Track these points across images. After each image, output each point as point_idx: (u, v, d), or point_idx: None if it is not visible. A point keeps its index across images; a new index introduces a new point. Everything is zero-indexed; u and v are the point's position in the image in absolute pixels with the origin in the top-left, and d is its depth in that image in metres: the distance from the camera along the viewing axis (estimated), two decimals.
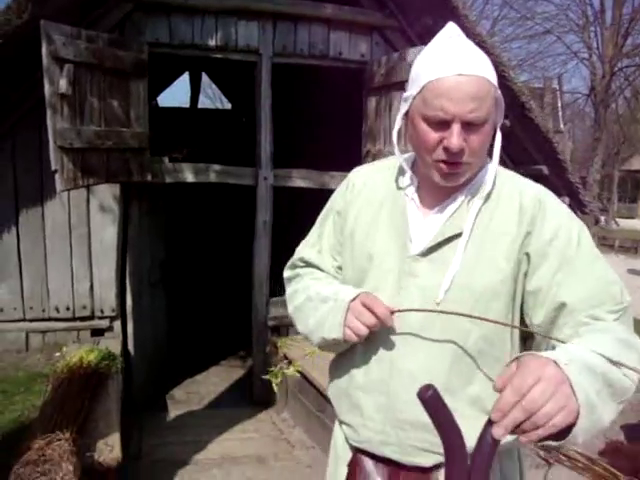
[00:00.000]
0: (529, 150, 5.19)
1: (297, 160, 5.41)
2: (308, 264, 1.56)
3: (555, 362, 0.98)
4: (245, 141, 8.44)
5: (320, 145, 6.82)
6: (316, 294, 1.43)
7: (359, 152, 5.01)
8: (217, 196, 7.30)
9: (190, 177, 4.67)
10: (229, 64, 5.49)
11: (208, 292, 7.95)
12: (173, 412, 4.89)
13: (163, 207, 5.22)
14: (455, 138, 1.20)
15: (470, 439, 0.98)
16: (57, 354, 4.14)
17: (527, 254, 1.27)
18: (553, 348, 1.17)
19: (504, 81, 4.71)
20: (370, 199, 1.45)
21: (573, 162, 27.15)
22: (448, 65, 1.20)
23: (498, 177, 1.33)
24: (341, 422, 1.50)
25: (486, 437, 0.92)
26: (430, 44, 1.28)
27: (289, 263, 1.63)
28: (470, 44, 1.26)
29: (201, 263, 8.54)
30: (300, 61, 4.86)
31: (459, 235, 1.29)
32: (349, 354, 1.43)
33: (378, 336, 1.33)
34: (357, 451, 1.44)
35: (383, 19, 4.85)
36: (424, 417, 1.00)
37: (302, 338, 4.42)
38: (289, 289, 1.59)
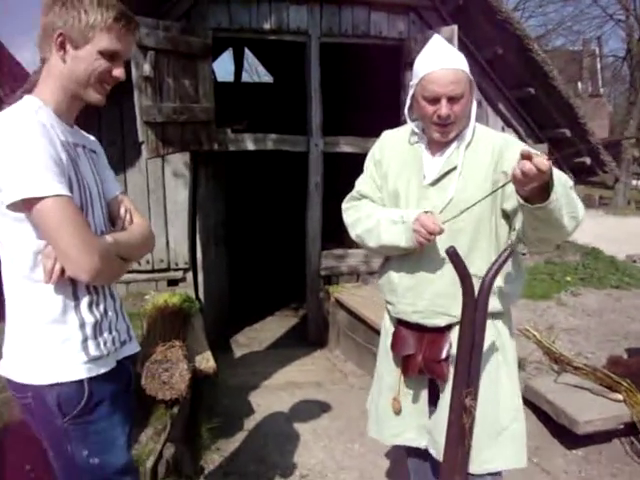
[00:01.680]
0: (552, 115, 5.71)
1: (343, 129, 6.00)
2: (363, 196, 2.28)
3: None
4: (288, 112, 9.09)
5: (363, 115, 7.41)
6: (384, 219, 2.11)
7: (397, 120, 5.59)
8: (270, 162, 7.92)
9: (250, 145, 5.33)
10: (272, 41, 6.07)
11: (264, 248, 8.69)
12: (238, 352, 5.63)
13: (224, 173, 5.90)
14: (443, 109, 1.95)
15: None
16: (147, 297, 4.87)
17: (504, 172, 1.91)
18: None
19: (528, 53, 5.25)
20: (396, 151, 2.20)
21: (612, 125, 26.92)
22: (435, 63, 1.96)
23: (477, 130, 2.09)
24: (386, 302, 2.25)
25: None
26: (423, 51, 2.04)
27: (348, 197, 2.36)
28: (448, 47, 2.02)
29: (258, 223, 9.25)
30: (344, 40, 5.45)
31: (454, 169, 2.03)
32: (392, 258, 2.17)
33: (412, 265, 2.08)
34: (398, 322, 2.16)
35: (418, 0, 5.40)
36: (439, 290, 1.76)
37: (351, 285, 5.18)
38: (351, 216, 2.31)
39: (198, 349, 3.69)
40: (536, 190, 1.62)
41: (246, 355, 5.51)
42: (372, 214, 2.19)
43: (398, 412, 2.18)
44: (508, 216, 2.01)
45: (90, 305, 1.61)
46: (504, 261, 1.65)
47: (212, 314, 5.59)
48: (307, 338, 5.76)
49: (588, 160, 6.00)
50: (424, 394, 2.17)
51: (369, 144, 5.44)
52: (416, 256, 2.06)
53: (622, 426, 3.16)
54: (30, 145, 1.42)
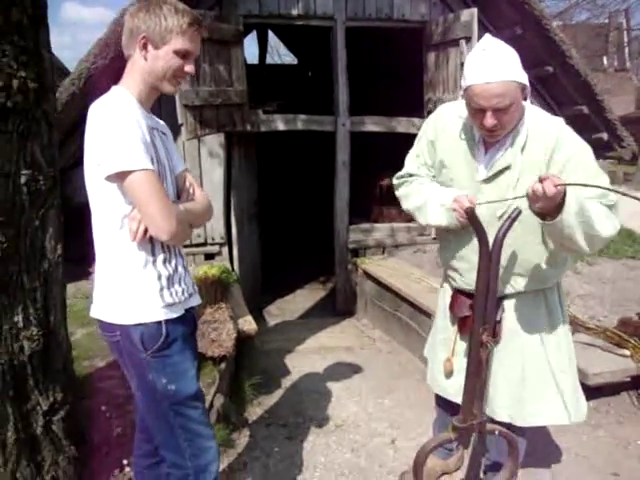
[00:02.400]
0: (570, 93, 5.91)
1: (369, 109, 6.27)
2: (411, 175, 2.48)
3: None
4: (314, 93, 9.35)
5: (387, 95, 7.66)
6: (431, 199, 2.31)
7: (421, 100, 5.85)
8: (299, 142, 8.19)
9: (281, 126, 5.64)
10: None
11: (294, 225, 9.03)
12: (271, 322, 5.98)
13: (255, 153, 6.21)
14: (488, 120, 2.01)
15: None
16: None
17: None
18: None
19: (546, 33, 5.45)
20: (453, 138, 2.29)
21: (638, 100, 26.54)
22: (479, 75, 1.98)
23: (531, 128, 2.14)
24: (447, 276, 2.49)
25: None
26: (471, 53, 2.09)
27: (398, 174, 2.54)
28: (498, 53, 1.99)
29: (288, 200, 9.58)
30: (369, 24, 5.70)
31: (508, 167, 2.15)
32: (450, 239, 2.38)
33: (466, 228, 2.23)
34: (456, 291, 2.43)
35: None
36: None
37: (377, 257, 5.57)
38: (401, 190, 2.51)
39: (239, 313, 4.04)
40: (550, 209, 1.85)
41: (279, 324, 5.86)
42: (421, 191, 2.38)
43: (450, 373, 2.45)
44: None
45: (164, 261, 1.94)
46: (513, 221, 1.94)
47: (246, 286, 5.91)
48: (335, 308, 6.10)
49: (605, 136, 6.20)
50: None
51: (394, 123, 5.79)
52: (471, 245, 2.24)
53: (629, 379, 3.45)
54: (123, 128, 1.75)
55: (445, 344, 2.51)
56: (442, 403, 2.67)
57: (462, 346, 2.42)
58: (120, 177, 1.76)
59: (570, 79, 5.81)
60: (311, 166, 9.24)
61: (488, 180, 2.20)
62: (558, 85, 5.89)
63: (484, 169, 2.21)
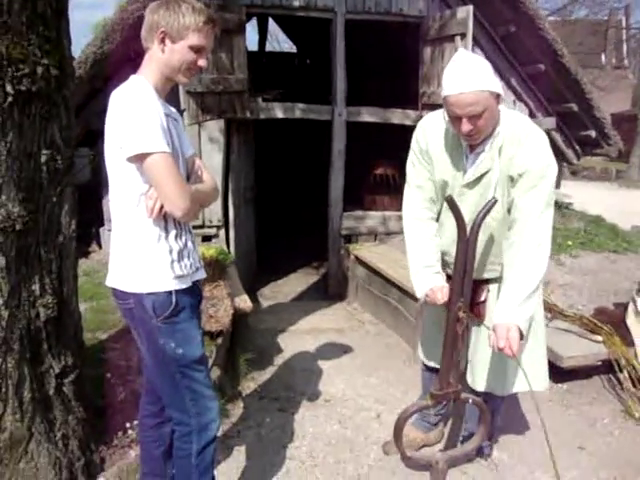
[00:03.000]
0: (561, 90, 6.11)
1: (365, 99, 6.44)
2: (417, 187, 2.64)
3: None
4: (312, 81, 9.51)
5: (383, 87, 7.84)
6: (414, 262, 2.61)
7: (416, 92, 6.03)
8: (296, 130, 8.36)
9: (279, 114, 5.80)
10: None
11: (288, 211, 9.22)
12: (265, 303, 6.18)
13: (253, 139, 6.38)
14: (464, 127, 2.25)
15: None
16: None
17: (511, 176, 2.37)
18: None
19: (539, 31, 5.64)
20: (442, 146, 2.52)
21: (635, 97, 26.72)
22: (454, 86, 2.21)
23: (505, 131, 2.37)
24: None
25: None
26: (448, 67, 2.28)
27: (405, 188, 2.73)
28: (470, 66, 2.21)
29: (283, 186, 9.75)
30: (368, 17, 5.85)
31: (488, 170, 2.40)
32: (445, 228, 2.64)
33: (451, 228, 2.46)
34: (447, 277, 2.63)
35: None
36: (479, 262, 2.35)
37: (369, 244, 5.79)
38: (404, 228, 2.74)
39: (235, 292, 4.23)
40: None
41: (272, 305, 6.05)
42: (410, 241, 2.67)
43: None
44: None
45: (176, 237, 2.14)
46: (489, 209, 2.15)
47: (241, 268, 6.10)
48: (327, 292, 6.30)
49: (593, 133, 6.41)
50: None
51: (388, 114, 5.97)
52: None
53: (600, 363, 3.68)
54: (144, 113, 1.93)
55: (435, 324, 2.77)
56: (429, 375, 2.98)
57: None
58: (140, 158, 1.94)
59: (561, 77, 6.00)
60: (307, 154, 9.42)
61: (471, 184, 2.46)
62: (549, 82, 6.09)
63: (469, 173, 2.47)
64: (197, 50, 2.06)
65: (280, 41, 26.79)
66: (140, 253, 2.08)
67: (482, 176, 2.43)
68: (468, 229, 2.17)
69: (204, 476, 2.23)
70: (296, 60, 12.24)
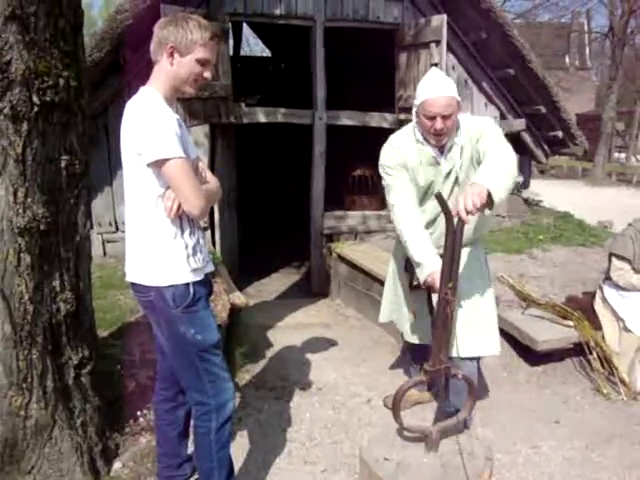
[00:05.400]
0: (530, 93, 6.45)
1: (344, 104, 6.69)
2: (402, 191, 2.99)
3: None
4: (286, 85, 9.71)
5: (361, 91, 8.11)
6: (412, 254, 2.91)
7: (392, 96, 6.30)
8: (278, 134, 8.55)
9: (262, 118, 6.02)
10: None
11: (270, 212, 9.42)
12: (251, 302, 6.36)
13: (235, 144, 6.57)
14: (438, 124, 2.78)
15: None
16: None
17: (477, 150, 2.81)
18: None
19: (509, 39, 5.96)
20: (415, 156, 2.97)
21: (598, 98, 27.42)
22: (432, 91, 2.78)
23: (465, 132, 2.91)
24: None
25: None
26: (424, 80, 2.88)
27: (393, 211, 3.03)
28: (442, 79, 2.85)
29: (265, 189, 9.93)
30: (346, 24, 6.11)
31: (454, 165, 2.92)
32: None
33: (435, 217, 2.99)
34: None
35: None
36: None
37: (350, 242, 6.10)
38: (401, 222, 2.98)
39: (228, 289, 4.43)
40: (484, 205, 2.44)
41: (258, 303, 6.24)
42: (410, 231, 2.92)
43: (414, 322, 3.28)
44: None
45: (190, 234, 2.35)
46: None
47: (226, 268, 6.31)
48: (310, 290, 6.53)
49: (560, 134, 6.76)
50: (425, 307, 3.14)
51: (367, 118, 6.24)
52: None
53: (572, 346, 3.98)
54: (160, 121, 2.14)
55: (406, 302, 3.28)
56: (410, 346, 3.55)
57: (420, 301, 3.18)
58: (159, 164, 2.14)
59: (529, 81, 6.33)
60: (288, 156, 9.63)
61: (446, 176, 2.96)
62: (518, 86, 6.41)
63: (445, 166, 2.96)
64: (203, 63, 2.26)
65: (251, 45, 27.01)
66: (159, 250, 2.28)
67: (451, 170, 2.95)
68: (455, 220, 2.43)
69: (222, 450, 2.44)
70: (270, 65, 12.45)
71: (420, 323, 3.24)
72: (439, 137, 2.85)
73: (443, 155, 2.96)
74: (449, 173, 2.96)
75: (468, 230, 2.77)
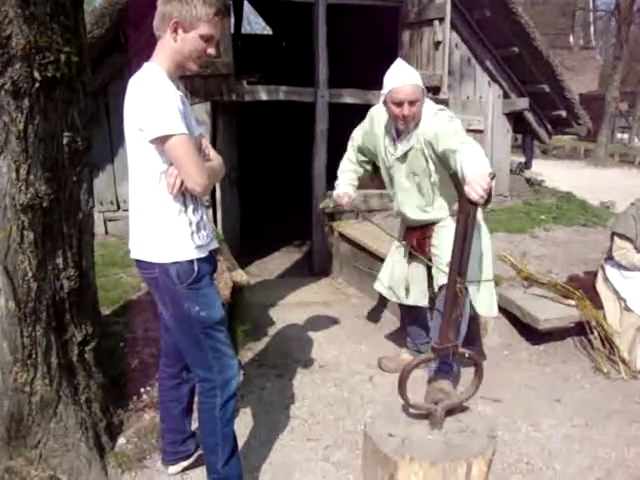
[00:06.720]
0: (533, 72, 6.39)
1: (346, 82, 6.65)
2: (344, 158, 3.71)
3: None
4: (289, 62, 9.64)
5: (363, 70, 8.04)
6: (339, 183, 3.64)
7: None
8: (280, 112, 8.51)
9: (264, 96, 5.98)
10: None
11: (272, 190, 9.40)
12: (252, 280, 6.37)
13: (237, 122, 6.54)
14: (406, 110, 3.08)
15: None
16: None
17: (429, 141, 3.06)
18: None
19: (513, 16, 5.90)
20: (382, 129, 3.40)
21: (602, 77, 27.19)
22: (399, 80, 3.07)
23: (425, 121, 3.16)
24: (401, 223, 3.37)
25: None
26: (390, 70, 3.14)
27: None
28: (407, 69, 3.15)
29: (267, 167, 9.92)
30: (349, 1, 6.05)
31: (412, 147, 3.23)
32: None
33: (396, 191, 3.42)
34: (407, 227, 3.37)
35: None
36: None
37: (352, 221, 6.16)
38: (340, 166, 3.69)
39: (231, 267, 4.44)
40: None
41: (259, 282, 6.26)
42: (340, 171, 3.71)
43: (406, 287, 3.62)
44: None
45: (193, 210, 2.34)
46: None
47: (229, 246, 6.32)
48: (312, 269, 6.54)
49: (564, 113, 6.72)
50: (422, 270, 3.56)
51: (369, 96, 6.20)
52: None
53: (573, 325, 4.00)
54: (163, 97, 2.12)
55: (400, 264, 3.63)
56: (403, 308, 3.88)
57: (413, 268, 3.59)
58: (162, 140, 2.13)
59: (533, 59, 6.28)
60: (289, 135, 9.59)
61: (401, 158, 3.31)
62: (522, 65, 6.36)
63: (399, 149, 3.30)
64: (207, 39, 2.23)
65: (252, 23, 26.78)
66: (163, 226, 2.28)
67: (408, 152, 3.26)
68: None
69: (227, 426, 2.46)
70: (271, 42, 12.35)
71: (414, 287, 3.60)
72: (406, 122, 3.14)
73: (399, 139, 3.31)
74: (403, 157, 3.31)
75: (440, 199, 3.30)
